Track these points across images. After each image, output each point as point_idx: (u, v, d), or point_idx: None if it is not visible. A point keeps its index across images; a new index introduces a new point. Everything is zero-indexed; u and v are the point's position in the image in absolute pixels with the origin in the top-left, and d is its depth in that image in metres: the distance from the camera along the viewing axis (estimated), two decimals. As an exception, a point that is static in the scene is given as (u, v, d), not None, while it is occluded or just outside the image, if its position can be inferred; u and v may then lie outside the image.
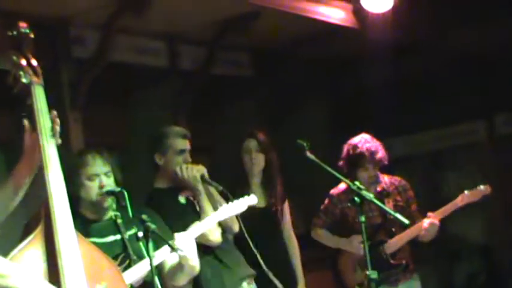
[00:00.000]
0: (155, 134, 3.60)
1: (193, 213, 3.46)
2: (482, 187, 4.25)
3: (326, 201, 4.41)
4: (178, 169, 3.45)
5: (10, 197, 2.47)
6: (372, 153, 4.19)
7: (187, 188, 3.50)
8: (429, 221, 4.13)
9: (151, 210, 3.15)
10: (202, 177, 3.44)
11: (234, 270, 3.56)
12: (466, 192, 4.24)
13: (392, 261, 4.20)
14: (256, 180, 4.11)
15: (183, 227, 3.20)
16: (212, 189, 3.52)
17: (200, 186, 3.44)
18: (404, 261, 4.22)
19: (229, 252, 3.61)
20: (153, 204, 3.40)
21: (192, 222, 3.30)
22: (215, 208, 3.41)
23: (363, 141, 4.23)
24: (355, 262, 4.28)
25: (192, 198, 3.55)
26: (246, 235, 3.54)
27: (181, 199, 3.55)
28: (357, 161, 4.19)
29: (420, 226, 4.15)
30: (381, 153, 4.22)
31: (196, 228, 3.15)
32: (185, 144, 3.56)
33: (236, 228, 3.64)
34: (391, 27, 5.56)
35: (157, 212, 3.25)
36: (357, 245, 4.15)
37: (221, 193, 3.54)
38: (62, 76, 4.85)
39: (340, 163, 4.27)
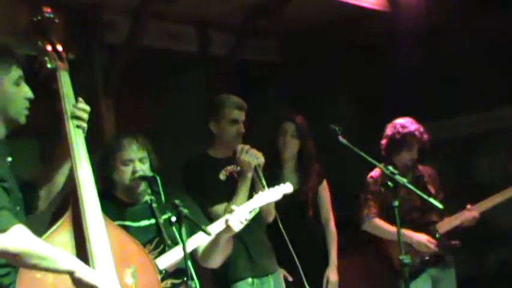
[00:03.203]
0: (211, 102, 3.61)
1: (225, 193, 3.43)
2: None
3: (369, 187, 4.23)
4: (239, 148, 3.41)
5: (55, 181, 2.52)
6: (421, 133, 4.17)
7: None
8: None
9: (185, 194, 3.14)
10: (256, 167, 3.36)
11: (260, 263, 3.56)
12: None
13: (445, 242, 4.14)
14: (289, 166, 4.04)
15: (211, 204, 3.30)
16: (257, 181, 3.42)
17: (249, 174, 3.38)
18: (457, 241, 4.19)
19: (259, 243, 3.60)
20: (191, 169, 3.48)
21: (219, 202, 3.34)
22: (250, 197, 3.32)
23: (410, 121, 4.20)
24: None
25: (236, 176, 3.51)
26: (280, 225, 3.55)
27: (222, 175, 3.52)
28: (405, 140, 4.12)
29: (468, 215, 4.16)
30: (427, 135, 4.20)
31: (244, 206, 3.07)
32: (239, 115, 3.56)
33: (271, 219, 3.64)
34: (423, 10, 5.48)
35: (192, 177, 3.37)
36: (425, 243, 4.02)
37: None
38: (94, 62, 4.86)
39: (383, 142, 4.22)
